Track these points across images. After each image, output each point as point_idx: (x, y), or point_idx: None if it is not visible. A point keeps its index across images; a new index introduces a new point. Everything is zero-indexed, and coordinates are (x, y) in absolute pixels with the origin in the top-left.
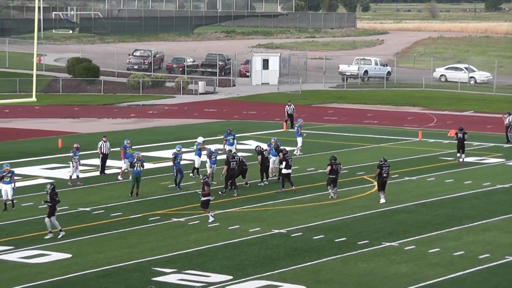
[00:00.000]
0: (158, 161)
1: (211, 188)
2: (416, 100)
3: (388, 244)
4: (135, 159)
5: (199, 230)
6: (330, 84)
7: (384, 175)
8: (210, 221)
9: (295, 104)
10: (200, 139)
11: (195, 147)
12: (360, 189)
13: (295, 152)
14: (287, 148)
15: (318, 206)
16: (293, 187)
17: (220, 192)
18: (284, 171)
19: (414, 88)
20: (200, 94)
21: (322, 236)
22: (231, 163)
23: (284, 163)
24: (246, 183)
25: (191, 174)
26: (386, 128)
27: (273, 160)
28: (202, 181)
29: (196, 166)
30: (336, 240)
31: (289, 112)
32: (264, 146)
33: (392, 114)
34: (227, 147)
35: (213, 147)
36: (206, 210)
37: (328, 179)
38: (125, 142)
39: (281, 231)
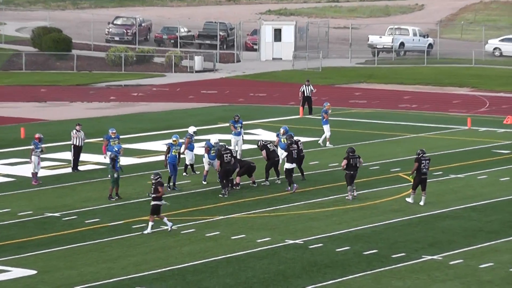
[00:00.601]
0: (145, 155)
1: (203, 189)
2: (464, 80)
3: (430, 257)
4: (119, 153)
5: (195, 241)
6: (357, 60)
7: (424, 170)
8: (147, 232)
9: (314, 85)
10: (192, 129)
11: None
12: (394, 190)
13: (320, 142)
14: (304, 140)
15: (342, 210)
16: (292, 187)
17: (220, 195)
18: (287, 165)
19: (462, 64)
20: (197, 72)
21: (347, 247)
22: (224, 156)
23: (284, 154)
24: (253, 182)
25: (184, 173)
26: (426, 114)
27: (281, 153)
28: (154, 181)
29: (187, 162)
30: (365, 253)
31: (306, 94)
32: (273, 137)
33: (435, 97)
34: (232, 138)
35: (213, 138)
36: (153, 217)
37: (346, 176)
38: (110, 131)
39: (297, 241)
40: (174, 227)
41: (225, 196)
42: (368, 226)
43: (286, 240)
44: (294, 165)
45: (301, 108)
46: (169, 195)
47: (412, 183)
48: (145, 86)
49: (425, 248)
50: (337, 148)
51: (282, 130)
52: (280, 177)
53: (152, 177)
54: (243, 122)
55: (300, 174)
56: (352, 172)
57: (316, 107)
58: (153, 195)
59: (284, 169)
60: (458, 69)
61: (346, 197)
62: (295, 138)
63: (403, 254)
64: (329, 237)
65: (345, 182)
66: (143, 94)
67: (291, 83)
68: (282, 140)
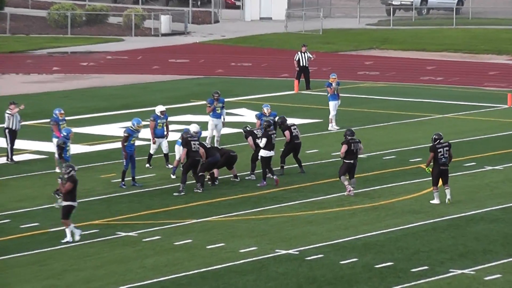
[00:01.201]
0: (97, 142)
1: (172, 185)
2: (503, 45)
3: (460, 271)
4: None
5: (161, 251)
6: (368, 20)
7: (443, 159)
8: (66, 240)
9: (313, 51)
10: (159, 109)
11: (151, 122)
12: (415, 186)
13: (331, 128)
14: (299, 122)
15: (349, 212)
16: (269, 179)
17: (195, 189)
18: (262, 153)
19: (500, 26)
20: (163, 35)
21: (354, 259)
22: (192, 143)
23: (263, 140)
24: (235, 176)
25: (147, 165)
26: (455, 89)
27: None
28: (64, 175)
29: (152, 151)
30: (378, 266)
31: (302, 64)
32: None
33: (466, 67)
34: (210, 121)
35: (193, 126)
36: (67, 222)
37: (343, 166)
38: (56, 112)
39: (291, 251)
40: (133, 233)
41: (201, 191)
42: (382, 231)
43: (277, 250)
44: (272, 153)
45: (296, 82)
46: (128, 192)
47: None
48: (98, 53)
49: (454, 260)
50: (341, 132)
51: (265, 110)
52: (276, 169)
53: (63, 170)
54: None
55: (297, 165)
56: (352, 161)
57: (314, 80)
58: (61, 195)
59: (260, 158)
60: (495, 32)
61: (346, 193)
62: (289, 121)
63: (426, 267)
64: (331, 245)
65: (358, 175)
66: (94, 64)
67: (284, 50)
68: (265, 121)
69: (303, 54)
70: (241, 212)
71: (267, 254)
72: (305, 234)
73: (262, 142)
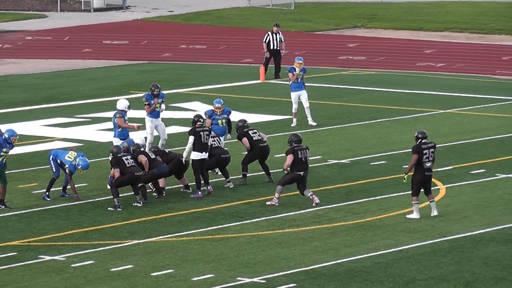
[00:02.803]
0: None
1: (107, 197)
2: None
3: None
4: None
5: (95, 279)
6: None
7: (428, 164)
8: None
9: (285, 31)
10: (122, 104)
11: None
12: (409, 197)
13: (294, 124)
14: (266, 119)
15: (328, 231)
16: (205, 191)
17: (135, 203)
18: (193, 155)
19: None
20: (96, 10)
21: None
22: (124, 159)
23: (190, 138)
24: (186, 186)
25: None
26: (460, 78)
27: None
28: None
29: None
30: None
31: (273, 47)
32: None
33: (473, 51)
34: (148, 122)
35: (134, 117)
36: None
37: (286, 176)
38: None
39: (256, 279)
40: (60, 257)
41: (140, 204)
42: (369, 255)
43: (239, 278)
44: (204, 156)
45: (262, 69)
46: (53, 206)
47: (411, 185)
48: (14, 33)
49: None
50: (320, 131)
51: (217, 106)
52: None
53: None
54: (172, 91)
55: (264, 173)
56: (302, 173)
57: (283, 66)
58: None
59: (191, 162)
60: (509, 6)
61: (268, 203)
62: (253, 118)
63: None
64: (306, 272)
65: (340, 185)
66: (10, 46)
67: (247, 29)
68: (219, 122)
69: (274, 35)
70: (193, 231)
71: (227, 283)
72: (274, 258)
73: (189, 140)
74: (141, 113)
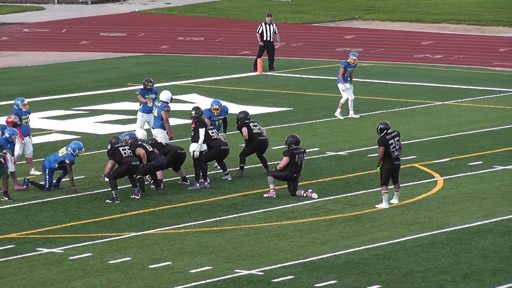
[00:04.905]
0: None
1: (105, 189)
2: None
3: None
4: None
5: (92, 271)
6: None
7: (396, 153)
8: None
9: (279, 23)
10: (165, 96)
11: (158, 112)
12: (407, 190)
13: (338, 115)
14: (263, 111)
15: (325, 223)
16: (202, 183)
17: (133, 195)
18: (193, 147)
19: None
20: (93, 3)
21: (333, 281)
22: (121, 149)
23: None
24: (184, 179)
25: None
26: (457, 70)
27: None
28: None
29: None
30: None
31: (266, 38)
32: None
33: (471, 42)
34: (140, 116)
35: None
36: None
37: (279, 172)
38: (18, 102)
39: (253, 272)
40: (57, 250)
41: (138, 196)
42: (366, 247)
43: (237, 270)
44: (204, 147)
45: (259, 61)
46: (50, 198)
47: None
48: (12, 25)
49: (456, 282)
50: (317, 123)
51: (214, 107)
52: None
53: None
54: (168, 84)
55: (262, 165)
56: (295, 175)
57: (280, 58)
58: None
59: (192, 154)
60: None
61: (265, 195)
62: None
63: None
64: (304, 264)
65: (337, 178)
66: (8, 38)
67: (244, 21)
68: (216, 122)
69: (267, 25)
70: (191, 224)
71: (224, 276)
72: (271, 250)
73: (200, 133)
74: (135, 106)
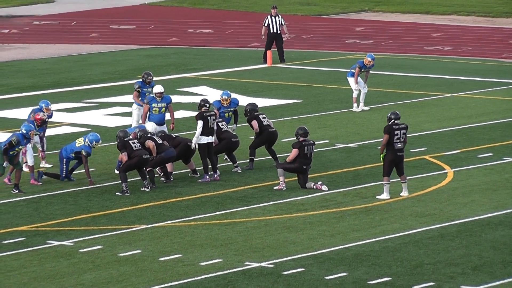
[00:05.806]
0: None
1: (115, 182)
2: None
3: None
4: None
5: (103, 264)
6: None
7: (399, 144)
8: None
9: (286, 15)
10: (159, 89)
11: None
12: (417, 182)
13: (356, 109)
14: (273, 103)
15: (335, 215)
16: (212, 176)
17: (143, 187)
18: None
19: None
20: None
21: (343, 273)
22: (131, 143)
23: (198, 123)
24: (194, 171)
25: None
26: (467, 62)
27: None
28: None
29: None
30: (371, 282)
31: (272, 30)
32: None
33: (481, 34)
34: (136, 110)
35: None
36: None
37: (289, 164)
38: (42, 105)
39: (263, 264)
40: (68, 242)
41: (148, 189)
42: (376, 239)
43: (247, 263)
44: (211, 139)
45: (268, 53)
46: (61, 191)
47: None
48: (22, 17)
49: (467, 274)
50: (327, 115)
51: (224, 98)
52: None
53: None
54: (178, 76)
55: (271, 158)
56: (305, 167)
57: (290, 50)
58: None
59: (198, 146)
60: None
61: (275, 187)
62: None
63: (431, 283)
64: (314, 257)
65: (347, 170)
66: (18, 30)
67: (254, 13)
68: (226, 114)
69: (273, 18)
70: (201, 216)
71: (234, 268)
72: (281, 242)
73: (198, 125)
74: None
